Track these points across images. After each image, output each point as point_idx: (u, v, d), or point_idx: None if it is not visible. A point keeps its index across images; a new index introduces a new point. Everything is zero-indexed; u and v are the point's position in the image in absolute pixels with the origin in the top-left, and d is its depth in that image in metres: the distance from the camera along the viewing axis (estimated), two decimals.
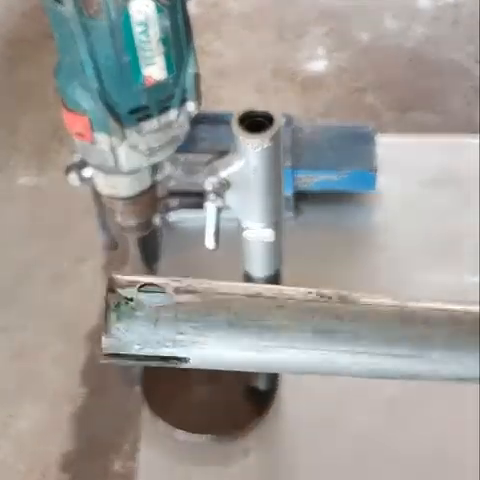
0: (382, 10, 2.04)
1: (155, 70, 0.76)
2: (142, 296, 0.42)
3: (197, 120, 0.86)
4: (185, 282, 0.43)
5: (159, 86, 0.78)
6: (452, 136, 1.50)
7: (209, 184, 0.82)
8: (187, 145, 0.87)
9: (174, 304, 0.42)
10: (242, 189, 0.82)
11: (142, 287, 0.42)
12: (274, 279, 0.93)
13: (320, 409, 1.10)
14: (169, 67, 0.77)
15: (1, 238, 1.50)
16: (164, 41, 0.75)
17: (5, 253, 1.47)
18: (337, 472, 1.05)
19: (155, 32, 0.74)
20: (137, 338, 0.42)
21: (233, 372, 1.18)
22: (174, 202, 1.23)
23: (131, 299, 0.42)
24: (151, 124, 0.80)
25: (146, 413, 1.11)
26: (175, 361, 0.43)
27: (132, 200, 0.87)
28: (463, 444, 1.05)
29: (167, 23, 0.74)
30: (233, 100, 1.74)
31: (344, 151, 1.29)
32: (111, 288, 0.42)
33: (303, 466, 1.06)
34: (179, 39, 0.76)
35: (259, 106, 0.79)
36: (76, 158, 0.87)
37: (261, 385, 1.09)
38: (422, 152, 1.41)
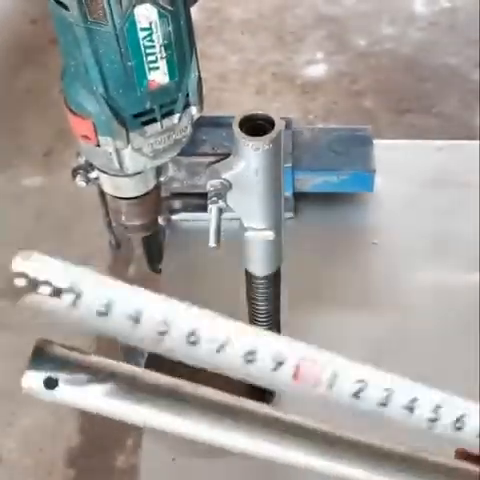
0: (379, 15, 2.05)
1: (159, 74, 0.77)
2: None
3: (199, 123, 0.86)
4: None
5: (163, 90, 0.78)
6: (451, 141, 1.51)
7: (211, 186, 0.83)
8: (189, 148, 0.88)
9: None
10: (243, 191, 0.83)
11: None
12: (275, 278, 0.95)
13: (319, 406, 1.10)
14: (172, 72, 0.78)
15: (6, 238, 1.51)
16: (167, 46, 0.75)
17: (10, 253, 1.48)
18: None
19: (158, 37, 0.74)
20: None
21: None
22: (177, 203, 1.24)
23: None
24: (155, 128, 0.80)
25: None
26: None
27: (137, 200, 0.88)
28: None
29: (170, 29, 0.74)
30: (234, 103, 1.75)
31: (343, 153, 1.31)
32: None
33: None
34: (182, 44, 0.77)
35: (259, 109, 0.80)
36: (81, 160, 0.87)
37: None
38: (420, 153, 1.42)
